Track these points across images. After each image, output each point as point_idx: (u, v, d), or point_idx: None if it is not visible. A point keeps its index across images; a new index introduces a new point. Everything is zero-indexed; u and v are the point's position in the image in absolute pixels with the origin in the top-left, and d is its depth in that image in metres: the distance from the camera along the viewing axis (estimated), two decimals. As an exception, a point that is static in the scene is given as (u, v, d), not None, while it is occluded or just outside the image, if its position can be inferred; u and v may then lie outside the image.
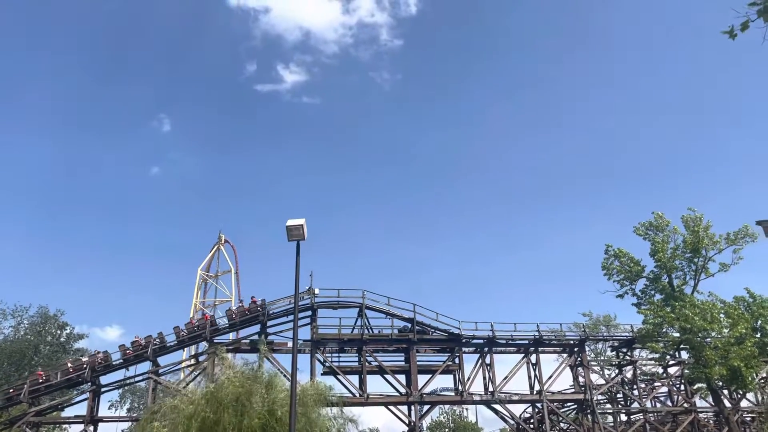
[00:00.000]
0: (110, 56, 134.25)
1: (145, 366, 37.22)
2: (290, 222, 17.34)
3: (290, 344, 37.19)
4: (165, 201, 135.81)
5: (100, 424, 36.56)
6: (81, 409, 36.53)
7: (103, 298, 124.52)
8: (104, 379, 37.01)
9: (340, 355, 39.29)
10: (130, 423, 39.68)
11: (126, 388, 55.06)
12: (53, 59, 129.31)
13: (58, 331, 56.09)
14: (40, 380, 36.43)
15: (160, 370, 37.43)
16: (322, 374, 37.10)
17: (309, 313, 38.06)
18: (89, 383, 36.22)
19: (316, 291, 38.45)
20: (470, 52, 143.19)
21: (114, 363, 36.88)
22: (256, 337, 38.07)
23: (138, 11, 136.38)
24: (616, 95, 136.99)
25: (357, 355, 38.89)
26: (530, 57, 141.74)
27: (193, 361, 40.77)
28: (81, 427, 35.26)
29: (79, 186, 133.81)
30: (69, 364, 37.33)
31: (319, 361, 37.69)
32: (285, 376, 34.67)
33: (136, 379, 38.81)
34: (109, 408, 62.82)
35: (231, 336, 40.73)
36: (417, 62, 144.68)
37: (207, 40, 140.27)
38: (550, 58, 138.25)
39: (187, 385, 36.12)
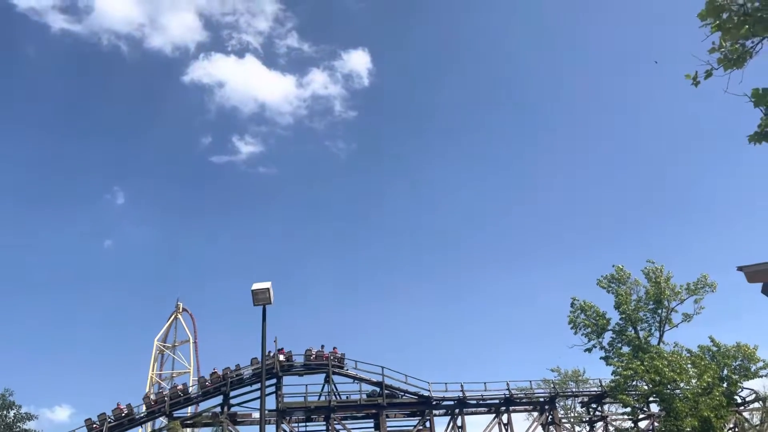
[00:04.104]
0: (62, 130, 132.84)
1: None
2: (256, 286, 16.81)
3: (255, 415, 35.78)
4: (118, 274, 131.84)
5: None
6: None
7: (52, 377, 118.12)
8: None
9: (307, 424, 37.99)
10: None
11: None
12: (7, 130, 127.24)
13: (5, 412, 52.80)
14: (123, 414, 35.53)
15: (116, 450, 35.37)
16: (288, 445, 35.66)
17: (274, 380, 36.79)
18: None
19: (281, 357, 37.34)
20: (423, 123, 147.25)
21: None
22: (217, 409, 36.49)
23: (93, 87, 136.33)
24: (574, 153, 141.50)
25: (325, 423, 37.55)
26: (484, 123, 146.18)
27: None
28: None
29: (27, 262, 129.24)
30: None
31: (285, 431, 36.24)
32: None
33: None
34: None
35: (191, 409, 38.97)
36: (371, 132, 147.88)
37: (161, 115, 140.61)
38: (504, 127, 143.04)
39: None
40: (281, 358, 37.34)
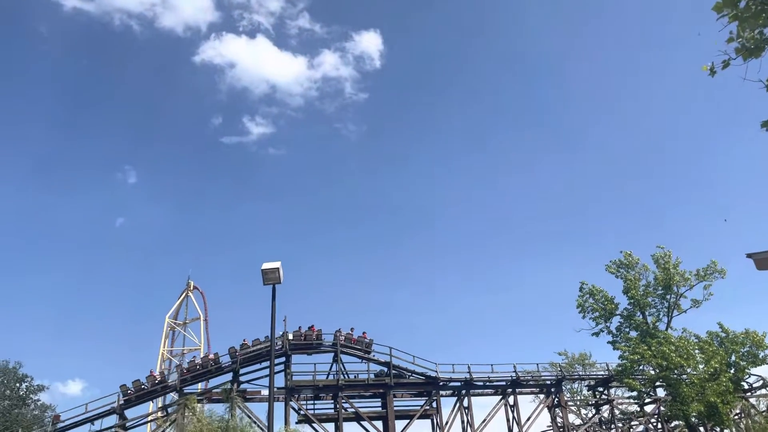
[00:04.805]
0: (74, 109, 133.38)
1: (112, 420, 35.72)
2: (266, 265, 16.93)
3: (264, 392, 36.22)
4: (130, 252, 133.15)
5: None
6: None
7: (65, 352, 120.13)
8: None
9: (315, 402, 38.28)
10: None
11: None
12: (18, 109, 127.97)
13: (17, 384, 53.73)
14: (157, 380, 36.67)
15: (128, 424, 35.93)
16: (296, 423, 36.06)
17: (283, 359, 37.18)
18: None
19: (290, 336, 37.67)
20: (434, 104, 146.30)
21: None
22: (228, 386, 36.92)
23: (105, 68, 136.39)
24: (585, 141, 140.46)
25: (333, 401, 37.92)
26: (493, 106, 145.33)
27: (161, 413, 39.29)
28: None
29: (41, 237, 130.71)
30: None
31: (293, 409, 36.64)
32: (258, 426, 33.86)
33: (102, 433, 37.12)
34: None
35: (201, 386, 39.47)
36: (382, 114, 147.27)
37: (172, 95, 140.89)
38: (513, 109, 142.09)
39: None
40: (290, 336, 37.72)
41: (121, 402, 35.43)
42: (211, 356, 37.59)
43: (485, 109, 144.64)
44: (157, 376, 37.49)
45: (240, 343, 37.69)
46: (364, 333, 39.00)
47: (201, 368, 37.19)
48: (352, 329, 38.98)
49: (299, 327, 38.35)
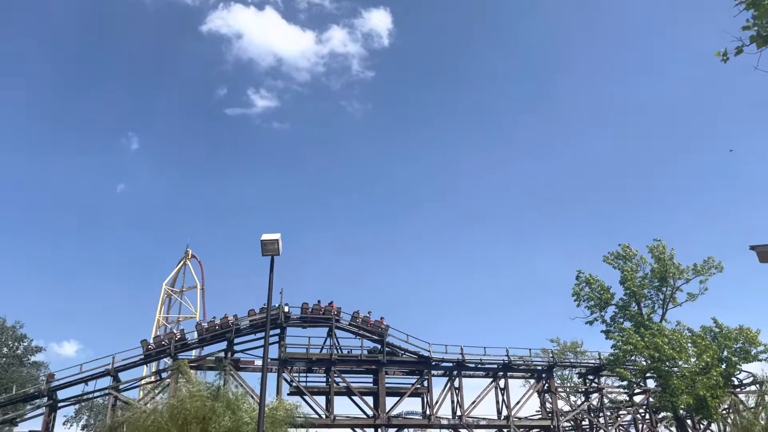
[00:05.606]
0: (82, 73, 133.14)
1: (105, 381, 36.01)
2: (265, 236, 16.92)
3: (257, 362, 36.46)
4: (131, 217, 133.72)
5: (55, 441, 35.18)
6: (36, 425, 35.07)
7: (62, 312, 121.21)
8: (62, 394, 35.69)
9: (308, 375, 38.60)
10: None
11: (83, 404, 53.26)
12: (24, 72, 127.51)
13: (15, 344, 54.22)
14: (177, 337, 37.46)
15: (121, 386, 36.23)
16: (288, 394, 36.33)
17: (278, 331, 37.39)
18: (46, 397, 34.87)
19: (286, 309, 37.81)
20: (440, 86, 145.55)
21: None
22: (221, 354, 37.18)
23: (113, 34, 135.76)
24: (593, 125, 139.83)
25: (325, 375, 38.24)
26: (499, 91, 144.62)
27: (155, 378, 39.62)
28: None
29: (43, 199, 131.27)
30: None
31: (286, 380, 36.93)
32: (250, 395, 34.14)
33: (96, 394, 37.47)
34: (63, 424, 60.73)
35: (195, 353, 39.77)
36: (388, 93, 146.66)
37: (178, 63, 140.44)
38: (518, 94, 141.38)
39: (148, 402, 35.07)
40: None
41: (116, 365, 35.68)
42: (231, 318, 37.64)
43: (491, 92, 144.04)
44: (177, 333, 38.16)
45: (260, 307, 37.79)
46: (381, 318, 39.18)
47: (220, 328, 37.35)
48: (369, 312, 39.21)
49: (318, 301, 38.49)
